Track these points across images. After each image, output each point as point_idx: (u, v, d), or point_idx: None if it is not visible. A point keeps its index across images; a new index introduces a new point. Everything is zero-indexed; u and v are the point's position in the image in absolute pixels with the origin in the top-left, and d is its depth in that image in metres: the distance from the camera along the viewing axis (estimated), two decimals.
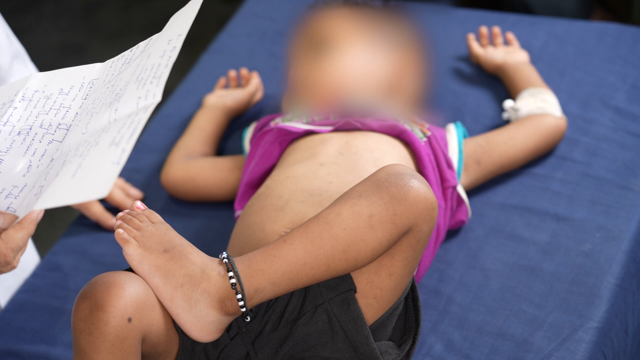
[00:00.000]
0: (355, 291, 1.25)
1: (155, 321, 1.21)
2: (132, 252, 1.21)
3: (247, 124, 1.77)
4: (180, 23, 1.20)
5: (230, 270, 1.20)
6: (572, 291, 1.46)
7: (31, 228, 1.14)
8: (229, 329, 1.26)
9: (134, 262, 1.21)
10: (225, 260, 1.22)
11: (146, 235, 1.22)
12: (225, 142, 1.79)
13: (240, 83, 1.86)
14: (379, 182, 1.22)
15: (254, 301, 1.22)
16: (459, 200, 1.54)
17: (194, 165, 1.68)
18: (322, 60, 1.62)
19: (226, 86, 1.86)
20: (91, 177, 1.07)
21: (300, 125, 1.55)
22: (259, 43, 1.99)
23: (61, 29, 3.13)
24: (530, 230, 1.55)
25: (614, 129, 1.68)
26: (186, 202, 1.70)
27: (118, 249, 1.64)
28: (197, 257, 1.22)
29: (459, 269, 1.52)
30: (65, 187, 1.08)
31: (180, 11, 1.23)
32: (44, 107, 1.25)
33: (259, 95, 1.84)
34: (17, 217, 1.13)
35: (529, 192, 1.61)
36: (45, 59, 2.99)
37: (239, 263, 1.21)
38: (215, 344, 1.26)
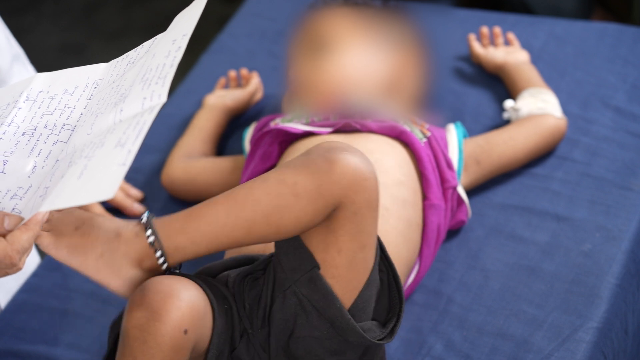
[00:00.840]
0: (319, 268, 1.23)
1: (205, 330, 1.21)
2: (46, 243, 1.20)
3: (247, 124, 1.77)
4: (185, 23, 1.20)
5: (148, 229, 1.20)
6: (572, 291, 1.46)
7: (37, 229, 1.14)
8: (232, 334, 1.26)
9: (52, 251, 1.20)
10: (144, 220, 1.21)
11: (54, 222, 1.21)
12: (225, 142, 1.79)
13: (240, 83, 1.86)
14: (309, 154, 1.21)
15: (175, 258, 1.21)
16: (459, 200, 1.54)
17: (194, 165, 1.68)
18: (322, 60, 1.62)
19: (226, 86, 1.87)
20: (97, 179, 1.07)
21: (300, 126, 1.56)
22: (259, 43, 1.99)
23: (61, 29, 3.13)
24: (530, 230, 1.55)
25: (614, 129, 1.68)
26: (186, 202, 1.70)
27: None
28: (110, 223, 1.21)
29: (459, 269, 1.52)
30: (71, 189, 1.08)
31: (185, 11, 1.23)
32: (48, 107, 1.25)
33: (258, 96, 1.85)
34: (22, 219, 1.13)
35: (529, 192, 1.61)
36: (45, 59, 2.99)
37: (158, 222, 1.21)
38: (231, 347, 1.27)
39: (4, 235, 1.12)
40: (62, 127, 1.22)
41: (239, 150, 1.74)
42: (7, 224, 1.12)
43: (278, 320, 1.25)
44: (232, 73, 1.86)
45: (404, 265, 1.42)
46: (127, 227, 1.21)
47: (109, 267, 1.20)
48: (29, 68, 1.67)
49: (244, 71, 1.86)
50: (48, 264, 1.65)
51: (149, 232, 1.20)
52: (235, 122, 1.82)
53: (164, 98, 1.13)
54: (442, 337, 1.43)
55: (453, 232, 1.57)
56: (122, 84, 1.21)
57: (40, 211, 1.11)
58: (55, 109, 1.24)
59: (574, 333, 1.40)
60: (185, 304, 1.17)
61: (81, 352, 1.50)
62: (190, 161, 1.69)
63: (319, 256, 1.23)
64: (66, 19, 3.18)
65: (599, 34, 1.86)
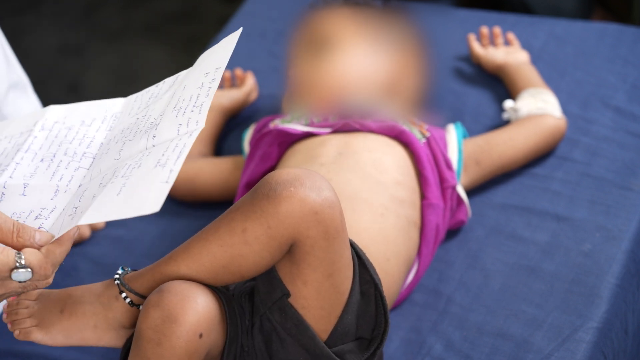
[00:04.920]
0: (288, 295, 1.23)
1: (218, 335, 1.22)
2: (40, 337, 1.25)
3: (243, 124, 1.77)
4: (216, 58, 1.19)
5: (122, 292, 1.24)
6: (572, 291, 1.46)
7: (69, 245, 1.14)
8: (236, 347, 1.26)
9: (48, 343, 1.25)
10: (117, 281, 1.24)
11: (37, 314, 1.25)
12: (223, 142, 1.79)
13: (234, 83, 1.86)
14: (255, 193, 1.20)
15: None
16: (459, 200, 1.54)
17: (193, 166, 1.68)
18: (322, 60, 1.62)
19: (220, 86, 1.86)
20: (140, 194, 1.07)
21: (300, 127, 1.56)
22: (259, 43, 1.99)
23: (61, 29, 3.13)
24: (530, 230, 1.55)
25: (614, 129, 1.68)
26: (185, 203, 1.70)
27: (118, 250, 1.65)
28: (88, 294, 1.25)
29: (459, 269, 1.52)
30: (112, 204, 1.08)
31: (214, 47, 1.22)
32: (66, 137, 1.25)
33: (254, 95, 1.84)
34: (53, 236, 1.13)
35: (529, 192, 1.61)
36: (45, 59, 2.99)
37: (132, 282, 1.24)
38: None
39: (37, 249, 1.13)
40: (82, 155, 1.22)
41: (236, 151, 1.73)
42: (39, 239, 1.12)
43: (259, 342, 1.25)
44: (227, 73, 1.85)
45: (403, 264, 1.42)
46: (105, 292, 1.25)
47: (106, 334, 1.25)
48: (31, 97, 1.65)
49: (239, 71, 1.86)
50: None
51: (123, 294, 1.24)
52: (231, 122, 1.82)
53: (202, 124, 1.13)
54: (442, 337, 1.43)
55: (453, 232, 1.57)
56: (150, 114, 1.21)
57: (77, 225, 1.11)
58: (74, 138, 1.24)
59: (574, 333, 1.40)
60: (202, 307, 1.18)
61: (81, 353, 1.50)
62: (189, 162, 1.69)
63: (288, 286, 1.24)
64: (66, 19, 3.18)
65: (599, 34, 1.86)
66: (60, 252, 1.13)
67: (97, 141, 1.24)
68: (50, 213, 1.16)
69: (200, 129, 1.12)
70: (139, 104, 1.25)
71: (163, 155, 1.11)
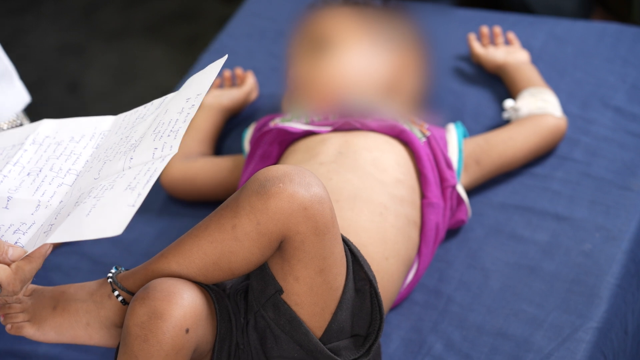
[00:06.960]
0: (281, 292, 1.24)
1: (207, 331, 1.22)
2: (32, 333, 1.25)
3: (244, 123, 1.78)
4: (199, 84, 1.21)
5: (115, 291, 1.24)
6: (572, 291, 1.46)
7: (40, 262, 1.15)
8: (229, 345, 1.26)
9: (40, 339, 1.25)
10: (110, 280, 1.25)
11: (31, 310, 1.25)
12: (223, 142, 1.79)
13: (234, 83, 1.86)
14: (244, 190, 1.20)
15: None
16: (459, 199, 1.54)
17: (193, 166, 1.68)
18: (322, 59, 1.62)
19: (220, 86, 1.86)
20: (106, 216, 1.09)
21: (300, 126, 1.56)
22: (259, 43, 1.99)
23: (61, 29, 3.13)
24: (530, 230, 1.55)
25: (614, 129, 1.68)
26: (185, 202, 1.70)
27: (118, 250, 1.65)
28: (82, 292, 1.26)
29: (459, 268, 1.52)
30: (79, 224, 1.10)
31: (199, 73, 1.23)
32: (54, 152, 1.26)
33: (254, 95, 1.85)
34: (25, 251, 1.14)
35: (529, 192, 1.61)
36: (45, 59, 2.99)
37: (125, 280, 1.25)
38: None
39: (8, 265, 1.14)
40: (67, 172, 1.23)
41: (237, 150, 1.74)
42: (12, 254, 1.13)
43: (254, 340, 1.26)
44: (227, 73, 1.86)
45: (403, 263, 1.42)
46: (98, 290, 1.25)
47: (98, 332, 1.25)
48: (17, 84, 1.65)
49: (239, 70, 1.86)
50: (47, 264, 1.65)
51: (116, 292, 1.24)
52: (232, 121, 1.82)
53: (175, 149, 1.15)
54: (442, 337, 1.43)
55: (453, 232, 1.57)
56: (132, 135, 1.22)
57: (45, 243, 1.12)
58: (61, 154, 1.26)
59: (574, 333, 1.40)
60: (187, 303, 1.18)
61: (81, 352, 1.50)
62: (189, 161, 1.69)
63: (280, 283, 1.24)
64: (66, 19, 3.18)
65: (599, 34, 1.86)
66: (29, 269, 1.14)
67: (83, 158, 1.25)
68: (29, 228, 1.17)
69: (173, 154, 1.14)
70: (126, 124, 1.27)
71: (135, 178, 1.13)
